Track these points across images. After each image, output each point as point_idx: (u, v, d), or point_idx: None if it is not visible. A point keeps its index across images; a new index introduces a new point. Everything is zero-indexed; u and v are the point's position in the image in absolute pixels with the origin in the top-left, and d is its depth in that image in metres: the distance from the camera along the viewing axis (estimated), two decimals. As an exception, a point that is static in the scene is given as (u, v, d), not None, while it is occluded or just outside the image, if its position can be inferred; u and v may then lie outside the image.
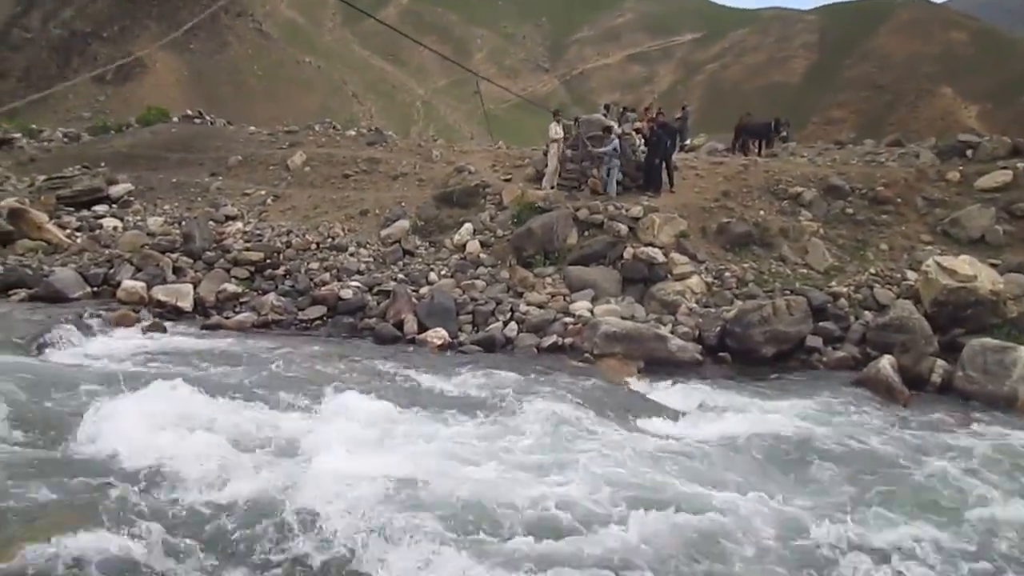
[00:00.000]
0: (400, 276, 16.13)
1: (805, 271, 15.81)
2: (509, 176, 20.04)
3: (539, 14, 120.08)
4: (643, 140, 18.72)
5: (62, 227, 18.95)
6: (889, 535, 6.95)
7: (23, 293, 15.20)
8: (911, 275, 14.95)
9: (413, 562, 6.19)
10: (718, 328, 13.60)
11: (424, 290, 15.32)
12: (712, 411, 10.52)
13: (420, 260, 16.96)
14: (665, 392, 11.47)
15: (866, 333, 13.43)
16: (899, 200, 17.53)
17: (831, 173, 18.81)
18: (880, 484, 8.11)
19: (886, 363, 11.86)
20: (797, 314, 13.42)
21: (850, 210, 17.36)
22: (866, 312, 14.17)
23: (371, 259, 17.00)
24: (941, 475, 8.28)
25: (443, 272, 16.22)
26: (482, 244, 16.95)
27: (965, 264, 13.53)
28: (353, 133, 27.96)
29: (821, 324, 13.69)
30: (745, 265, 15.86)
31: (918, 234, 16.75)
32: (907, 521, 7.26)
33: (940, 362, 12.32)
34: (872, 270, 15.51)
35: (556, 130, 18.74)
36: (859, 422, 10.19)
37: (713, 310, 14.37)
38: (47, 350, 11.91)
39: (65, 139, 29.93)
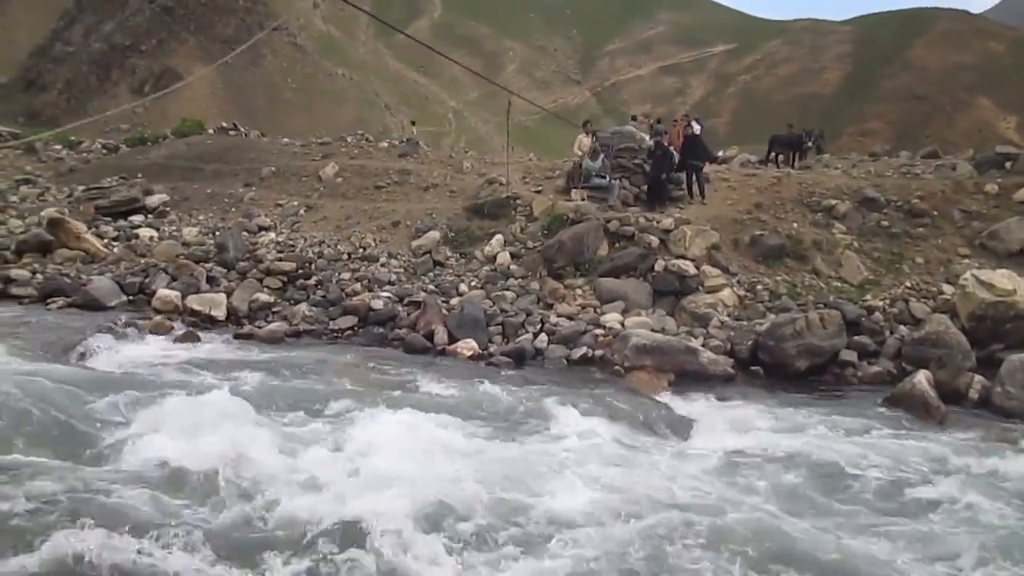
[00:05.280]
0: (430, 287, 16.17)
1: (839, 284, 15.60)
2: (540, 187, 20.04)
3: (570, 26, 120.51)
4: (647, 155, 18.43)
5: (100, 236, 19.25)
6: (925, 557, 6.82)
7: (61, 301, 15.43)
8: (948, 289, 14.70)
9: (447, 569, 6.19)
10: (750, 341, 13.46)
11: (454, 301, 15.37)
12: (744, 426, 10.40)
13: (450, 271, 17.01)
14: (696, 406, 11.36)
15: (901, 348, 13.20)
16: (935, 213, 17.27)
17: (866, 185, 18.59)
18: (916, 504, 7.97)
19: (922, 378, 11.63)
20: (831, 328, 13.22)
21: (885, 223, 17.13)
22: (901, 326, 13.94)
23: (402, 270, 17.07)
24: (980, 495, 8.10)
25: (473, 283, 16.25)
26: (512, 255, 16.96)
27: (1004, 278, 13.28)
28: (386, 145, 28.19)
29: (855, 338, 13.49)
30: (778, 278, 15.70)
31: (955, 247, 16.49)
32: (945, 542, 7.12)
33: (978, 378, 12.07)
34: (908, 283, 15.26)
35: (584, 142, 18.74)
36: (894, 438, 10.01)
37: (745, 323, 14.24)
38: (84, 357, 12.11)
39: (104, 151, 30.48)
